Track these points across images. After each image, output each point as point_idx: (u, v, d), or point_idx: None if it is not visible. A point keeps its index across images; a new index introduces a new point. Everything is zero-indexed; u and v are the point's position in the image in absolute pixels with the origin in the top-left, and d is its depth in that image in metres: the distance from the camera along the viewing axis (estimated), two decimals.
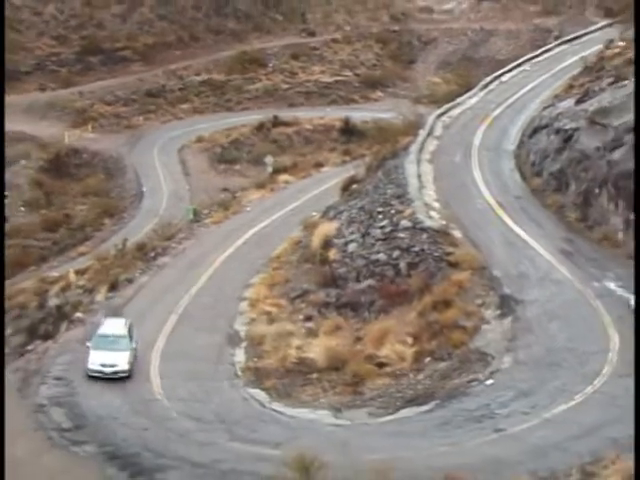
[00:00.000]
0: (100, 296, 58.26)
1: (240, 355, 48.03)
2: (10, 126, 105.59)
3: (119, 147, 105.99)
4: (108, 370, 43.73)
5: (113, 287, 59.09)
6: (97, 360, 43.93)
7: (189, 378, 44.54)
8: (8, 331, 59.42)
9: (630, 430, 34.97)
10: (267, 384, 44.40)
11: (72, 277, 64.58)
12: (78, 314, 55.91)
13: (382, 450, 35.35)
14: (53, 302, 60.75)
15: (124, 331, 45.79)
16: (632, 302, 46.82)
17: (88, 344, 45.10)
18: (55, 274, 70.06)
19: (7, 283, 71.75)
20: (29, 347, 53.89)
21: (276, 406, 42.01)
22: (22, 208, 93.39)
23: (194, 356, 47.05)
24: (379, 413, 40.63)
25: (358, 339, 48.10)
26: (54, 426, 40.89)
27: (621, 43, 76.04)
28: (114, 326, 46.32)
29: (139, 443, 38.51)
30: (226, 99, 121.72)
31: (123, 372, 43.98)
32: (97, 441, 39.09)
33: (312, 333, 49.42)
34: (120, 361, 43.97)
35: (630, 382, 39.63)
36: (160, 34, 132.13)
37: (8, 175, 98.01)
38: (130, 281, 60.00)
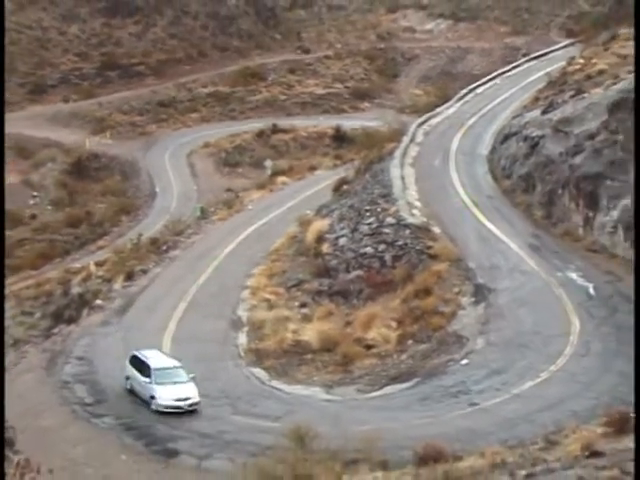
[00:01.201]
0: (117, 285, 58.20)
1: (243, 338, 48.01)
2: (37, 133, 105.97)
3: (134, 152, 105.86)
4: (184, 404, 38.02)
5: (129, 277, 59.00)
6: (169, 395, 38.10)
7: (197, 359, 44.46)
8: (36, 315, 59.50)
9: (588, 403, 35.20)
10: (267, 364, 44.41)
11: (92, 268, 64.52)
12: (98, 301, 55.83)
13: (369, 422, 35.42)
14: (76, 290, 60.67)
15: (177, 362, 40.33)
16: (591, 290, 47.08)
17: (146, 379, 39.02)
18: (77, 265, 70.02)
19: (35, 273, 72.04)
20: (54, 330, 53.83)
21: (275, 383, 42.03)
22: (49, 206, 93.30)
23: (202, 339, 46.98)
24: (367, 390, 40.69)
25: (348, 323, 48.16)
26: (77, 401, 40.89)
27: (581, 60, 75.95)
28: (160, 358, 40.64)
29: (153, 416, 38.54)
30: (230, 109, 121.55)
31: (197, 404, 38.38)
32: (115, 414, 39.10)
33: (307, 318, 49.44)
34: (192, 393, 38.48)
35: (588, 361, 39.86)
36: (171, 51, 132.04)
37: (36, 177, 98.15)
38: (144, 272, 59.94)
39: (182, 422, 37.77)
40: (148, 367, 39.46)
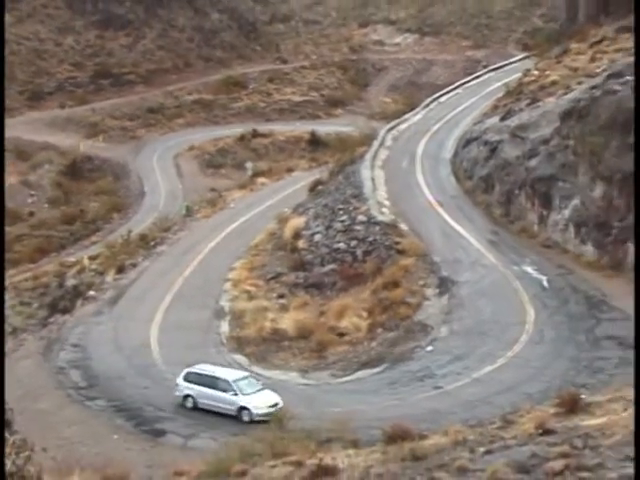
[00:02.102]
0: (109, 278, 58.00)
1: (225, 327, 47.90)
2: (36, 137, 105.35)
3: (125, 154, 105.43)
4: (275, 410, 35.23)
5: (120, 270, 58.83)
6: (262, 403, 35.59)
7: (183, 346, 44.44)
8: (34, 305, 59.20)
9: (541, 386, 35.39)
10: (247, 350, 44.37)
11: (86, 262, 64.25)
12: (91, 292, 55.66)
13: (342, 404, 35.52)
14: (70, 282, 60.40)
15: (245, 372, 38.58)
16: (545, 282, 47.28)
17: (226, 393, 36.12)
18: (72, 259, 69.69)
19: (32, 267, 71.65)
20: (51, 319, 53.65)
21: (255, 369, 41.93)
22: (46, 205, 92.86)
23: (187, 328, 46.87)
24: (339, 374, 40.77)
25: (322, 313, 48.12)
26: (72, 385, 40.84)
27: (536, 72, 76.02)
28: (225, 370, 38.20)
29: (141, 399, 38.48)
30: (214, 115, 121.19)
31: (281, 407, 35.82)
32: (107, 397, 39.05)
33: (284, 308, 49.39)
34: (277, 398, 36.07)
35: (542, 348, 40.04)
36: (160, 61, 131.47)
37: (34, 177, 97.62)
38: (134, 265, 59.76)
39: (169, 405, 37.73)
40: (224, 380, 36.58)
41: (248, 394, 35.99)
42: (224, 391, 36.27)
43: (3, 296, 53.84)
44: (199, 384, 36.88)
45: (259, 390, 36.50)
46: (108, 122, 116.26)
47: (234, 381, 36.49)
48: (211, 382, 36.71)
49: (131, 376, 41.16)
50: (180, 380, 37.53)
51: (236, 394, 35.95)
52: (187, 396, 37.15)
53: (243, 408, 35.69)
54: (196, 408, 36.82)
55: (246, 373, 38.24)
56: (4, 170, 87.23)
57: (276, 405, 35.57)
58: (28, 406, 36.67)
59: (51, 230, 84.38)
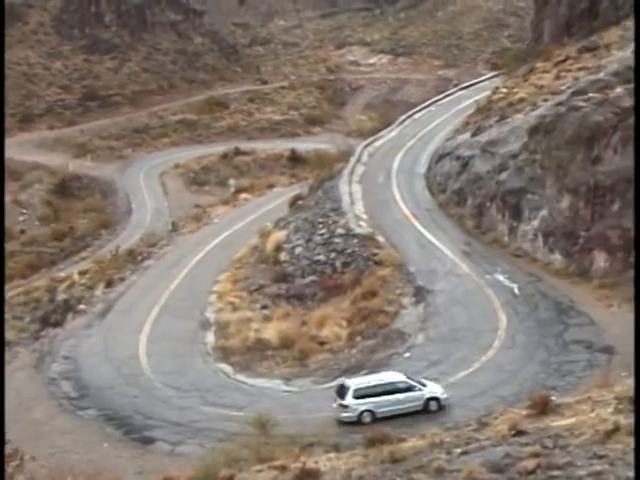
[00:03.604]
0: (98, 292, 57.79)
1: (210, 337, 47.81)
2: (26, 157, 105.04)
3: (112, 173, 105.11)
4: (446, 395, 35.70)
5: (109, 284, 58.64)
6: (441, 390, 35.63)
7: (170, 356, 44.33)
8: (26, 319, 58.86)
9: (514, 389, 35.48)
10: (232, 360, 44.26)
11: (76, 277, 63.96)
12: (81, 306, 55.48)
13: (324, 410, 35.45)
14: (61, 297, 60.12)
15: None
16: (516, 290, 47.42)
17: (409, 393, 35.05)
18: (62, 274, 69.32)
19: (24, 282, 71.24)
20: (42, 333, 53.39)
21: (239, 377, 41.93)
22: (36, 222, 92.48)
23: (174, 338, 46.78)
24: (321, 381, 40.69)
25: (304, 323, 48.09)
26: (63, 395, 40.65)
27: (504, 90, 76.24)
28: (373, 377, 36.97)
29: (131, 408, 38.33)
30: (197, 134, 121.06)
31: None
32: (98, 407, 38.89)
33: (267, 319, 49.32)
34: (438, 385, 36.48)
35: (514, 352, 40.17)
36: (145, 83, 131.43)
37: (25, 196, 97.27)
38: (122, 280, 59.58)
39: (156, 413, 37.59)
40: (401, 382, 35.51)
41: (426, 385, 35.63)
42: (408, 391, 35.28)
43: (3, 308, 53.73)
44: (376, 395, 35.12)
45: (427, 384, 35.91)
46: (96, 142, 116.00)
47: (407, 380, 35.66)
48: (390, 388, 35.33)
49: (121, 386, 41.01)
50: (349, 400, 34.96)
51: (420, 389, 35.30)
52: (363, 412, 34.86)
53: (431, 399, 35.13)
54: (375, 420, 34.25)
55: (402, 375, 36.60)
56: (4, 188, 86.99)
57: (445, 393, 35.57)
58: (22, 416, 36.49)
59: (42, 247, 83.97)
